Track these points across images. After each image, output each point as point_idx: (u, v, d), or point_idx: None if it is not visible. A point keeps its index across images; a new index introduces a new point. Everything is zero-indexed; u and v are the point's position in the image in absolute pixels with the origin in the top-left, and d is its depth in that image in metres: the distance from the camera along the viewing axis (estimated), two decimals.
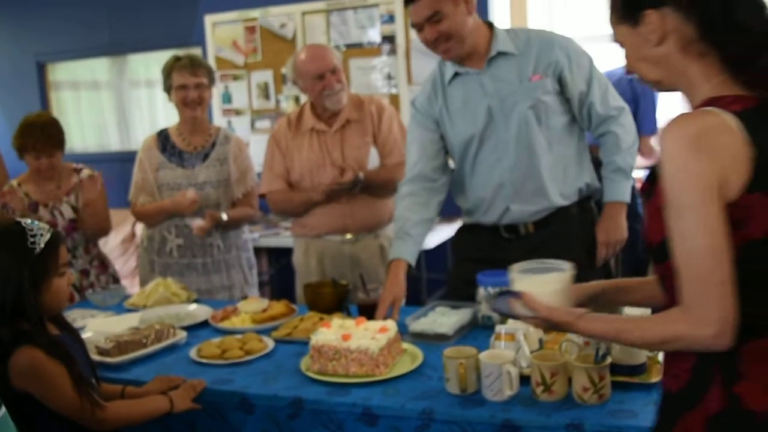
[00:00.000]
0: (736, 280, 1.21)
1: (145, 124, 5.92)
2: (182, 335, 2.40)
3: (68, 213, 3.27)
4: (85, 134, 6.15)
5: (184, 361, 2.24)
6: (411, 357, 2.13)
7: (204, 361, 2.20)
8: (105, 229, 3.39)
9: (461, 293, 2.51)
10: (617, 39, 1.39)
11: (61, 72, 6.21)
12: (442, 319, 2.33)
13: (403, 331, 2.21)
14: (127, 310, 2.82)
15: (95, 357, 2.22)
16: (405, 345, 2.19)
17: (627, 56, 1.38)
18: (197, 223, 3.14)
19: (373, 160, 3.13)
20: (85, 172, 3.36)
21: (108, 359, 2.21)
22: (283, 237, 4.59)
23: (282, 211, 3.28)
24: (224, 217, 3.19)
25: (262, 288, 5.05)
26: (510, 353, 1.85)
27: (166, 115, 5.66)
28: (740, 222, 1.21)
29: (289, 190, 3.16)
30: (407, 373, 2.01)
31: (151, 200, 3.26)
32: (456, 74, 2.53)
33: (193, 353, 2.26)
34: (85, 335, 2.40)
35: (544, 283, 1.52)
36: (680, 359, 1.32)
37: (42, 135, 3.14)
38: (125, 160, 5.16)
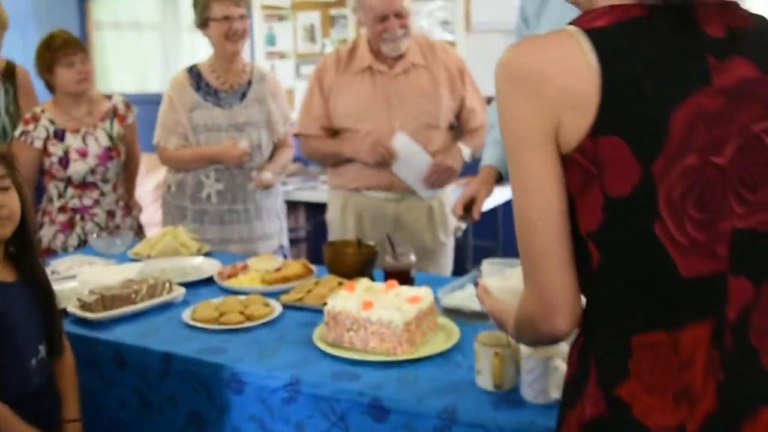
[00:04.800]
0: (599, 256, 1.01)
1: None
2: (179, 292, 2.09)
3: (103, 140, 3.02)
4: (125, 76, 5.91)
5: (175, 323, 1.93)
6: (446, 335, 1.79)
7: (197, 324, 1.89)
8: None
9: None
10: None
11: (103, 11, 5.96)
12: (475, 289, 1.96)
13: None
14: (132, 260, 2.52)
15: (75, 311, 1.93)
16: (442, 320, 1.84)
17: None
18: (266, 176, 2.98)
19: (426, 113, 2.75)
20: (117, 98, 3.14)
21: (88, 314, 1.91)
22: (320, 191, 4.26)
23: (311, 158, 2.96)
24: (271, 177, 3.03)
25: (298, 245, 4.77)
26: (560, 345, 1.47)
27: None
28: (593, 176, 0.98)
29: (324, 136, 2.80)
30: (432, 357, 1.66)
31: (184, 143, 2.97)
32: None
33: (186, 315, 1.94)
34: (70, 285, 2.12)
35: (505, 277, 1.35)
36: (575, 342, 1.11)
37: (69, 40, 2.93)
38: None
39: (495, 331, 1.56)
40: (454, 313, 1.90)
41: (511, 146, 1.02)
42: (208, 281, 2.27)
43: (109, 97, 3.14)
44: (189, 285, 2.19)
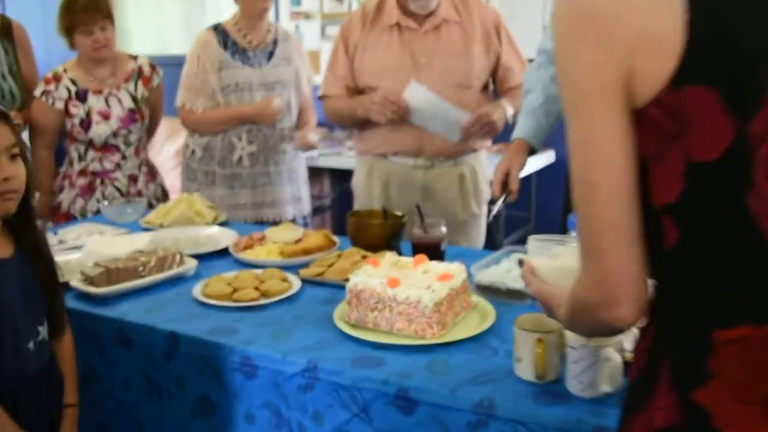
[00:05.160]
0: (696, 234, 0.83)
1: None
2: (190, 265, 1.93)
3: (127, 102, 2.89)
4: (145, 37, 5.74)
5: (185, 299, 1.78)
6: (480, 316, 1.62)
7: (208, 301, 1.73)
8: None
9: None
10: None
11: None
12: (519, 269, 1.78)
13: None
14: (145, 230, 2.37)
15: (78, 285, 1.79)
16: (476, 298, 1.68)
17: None
18: (312, 137, 2.95)
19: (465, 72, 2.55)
20: (142, 59, 3.01)
21: (91, 289, 1.76)
22: (346, 157, 4.08)
23: (333, 120, 2.78)
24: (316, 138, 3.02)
25: (322, 214, 4.60)
26: None
27: None
28: (673, 136, 0.80)
29: (345, 96, 2.62)
30: (465, 341, 1.49)
31: (212, 105, 2.83)
32: None
33: (197, 290, 1.79)
34: (75, 256, 1.98)
35: (553, 256, 1.16)
36: (643, 335, 0.94)
37: (89, 7, 2.78)
38: None
39: (536, 314, 1.39)
40: (488, 291, 1.73)
41: (572, 100, 0.83)
42: (223, 252, 2.11)
43: (134, 57, 3.00)
44: (202, 257, 2.05)
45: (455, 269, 1.63)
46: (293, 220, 2.96)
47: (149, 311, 1.71)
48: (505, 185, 2.13)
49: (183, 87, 2.87)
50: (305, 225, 3.03)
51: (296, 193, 2.99)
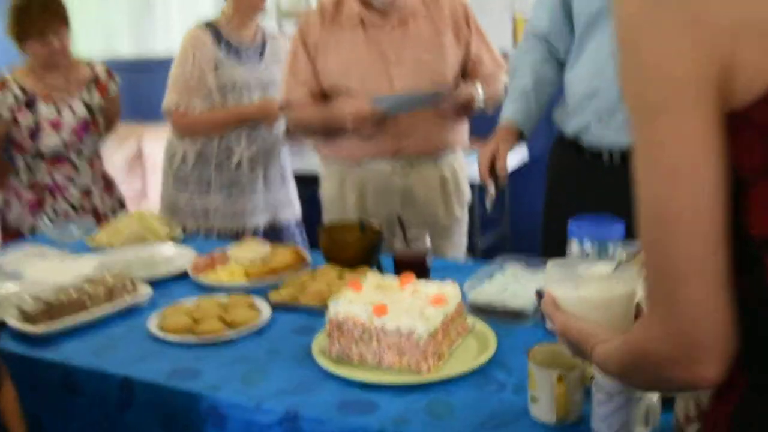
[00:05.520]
0: None
1: (173, 25, 5.14)
2: (144, 294, 1.70)
3: (81, 110, 2.69)
4: (91, 39, 5.45)
5: (139, 335, 1.55)
6: (479, 342, 1.43)
7: (166, 337, 1.51)
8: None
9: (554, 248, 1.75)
10: None
11: None
12: (516, 285, 1.60)
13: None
14: (96, 251, 2.13)
15: (15, 324, 1.55)
16: (471, 320, 1.49)
17: None
18: None
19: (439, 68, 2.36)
20: (98, 65, 2.81)
21: (29, 328, 1.53)
22: (308, 157, 3.85)
23: (295, 129, 2.57)
24: None
25: None
26: None
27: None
28: None
29: (311, 103, 2.40)
30: (467, 375, 1.30)
31: (208, 106, 2.65)
32: None
33: (152, 323, 1.57)
34: (9, 288, 1.74)
35: (577, 285, 0.97)
36: (721, 396, 0.75)
37: (44, 12, 2.57)
38: (138, 70, 4.52)
39: (551, 344, 1.20)
40: (484, 312, 1.54)
41: (644, 103, 0.64)
42: (182, 276, 1.89)
43: (89, 63, 2.80)
44: (157, 282, 1.82)
45: (449, 291, 1.44)
46: (287, 226, 2.85)
47: (98, 352, 1.48)
48: (492, 172, 1.95)
49: (175, 88, 2.67)
50: (299, 228, 2.93)
51: (290, 197, 2.89)
